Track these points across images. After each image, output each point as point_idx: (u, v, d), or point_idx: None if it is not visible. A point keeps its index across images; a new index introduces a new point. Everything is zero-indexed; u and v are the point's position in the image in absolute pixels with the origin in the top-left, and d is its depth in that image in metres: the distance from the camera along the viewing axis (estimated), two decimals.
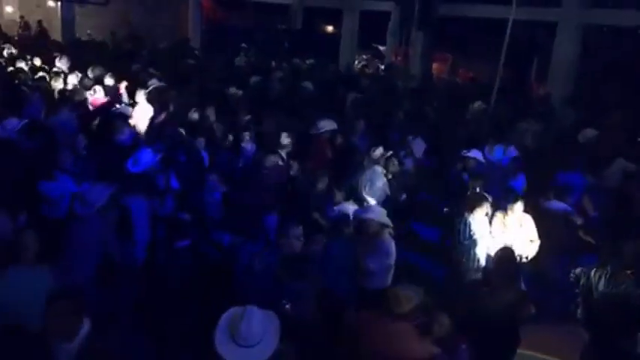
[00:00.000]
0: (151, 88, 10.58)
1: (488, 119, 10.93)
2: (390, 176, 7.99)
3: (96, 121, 9.12)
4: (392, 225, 6.03)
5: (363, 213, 6.15)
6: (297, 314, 4.50)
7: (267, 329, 3.69)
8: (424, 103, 12.19)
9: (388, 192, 7.85)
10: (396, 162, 8.16)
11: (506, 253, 5.61)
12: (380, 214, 6.04)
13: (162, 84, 11.00)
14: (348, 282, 5.81)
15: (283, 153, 8.24)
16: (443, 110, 11.72)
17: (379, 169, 7.95)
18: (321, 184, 7.38)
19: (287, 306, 4.16)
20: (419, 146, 9.26)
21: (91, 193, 5.32)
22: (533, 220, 6.86)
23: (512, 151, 8.53)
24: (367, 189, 7.72)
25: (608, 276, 5.50)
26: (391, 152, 8.28)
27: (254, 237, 6.42)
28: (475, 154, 8.26)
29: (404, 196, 8.15)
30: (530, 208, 6.94)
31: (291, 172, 8.14)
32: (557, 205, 7.21)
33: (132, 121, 9.19)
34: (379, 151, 8.14)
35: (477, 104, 11.28)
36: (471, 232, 6.70)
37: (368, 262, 5.78)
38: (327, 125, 8.86)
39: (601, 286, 5.52)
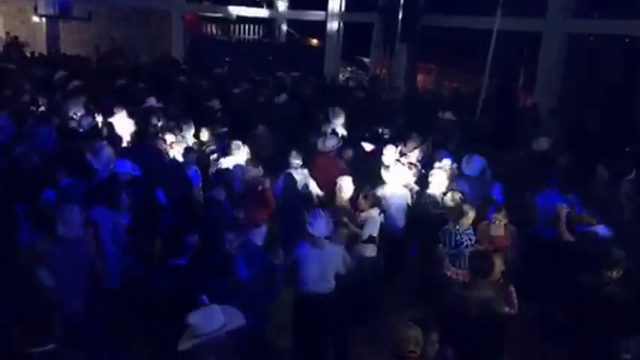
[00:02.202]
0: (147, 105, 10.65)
1: (462, 130, 10.82)
2: (411, 185, 7.91)
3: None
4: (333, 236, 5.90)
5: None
6: None
7: (220, 322, 3.72)
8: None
9: (409, 201, 7.80)
10: (416, 170, 8.05)
11: (479, 250, 5.68)
12: (317, 219, 5.70)
13: (159, 104, 10.94)
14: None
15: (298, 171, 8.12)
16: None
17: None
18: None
19: (203, 298, 4.12)
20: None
21: (71, 213, 5.22)
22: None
23: (480, 162, 8.36)
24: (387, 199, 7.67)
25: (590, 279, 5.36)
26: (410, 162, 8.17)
27: None
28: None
29: None
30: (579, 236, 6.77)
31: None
32: (606, 230, 6.71)
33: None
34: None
35: (447, 114, 11.18)
36: (457, 242, 6.67)
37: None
38: (334, 142, 8.71)
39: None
